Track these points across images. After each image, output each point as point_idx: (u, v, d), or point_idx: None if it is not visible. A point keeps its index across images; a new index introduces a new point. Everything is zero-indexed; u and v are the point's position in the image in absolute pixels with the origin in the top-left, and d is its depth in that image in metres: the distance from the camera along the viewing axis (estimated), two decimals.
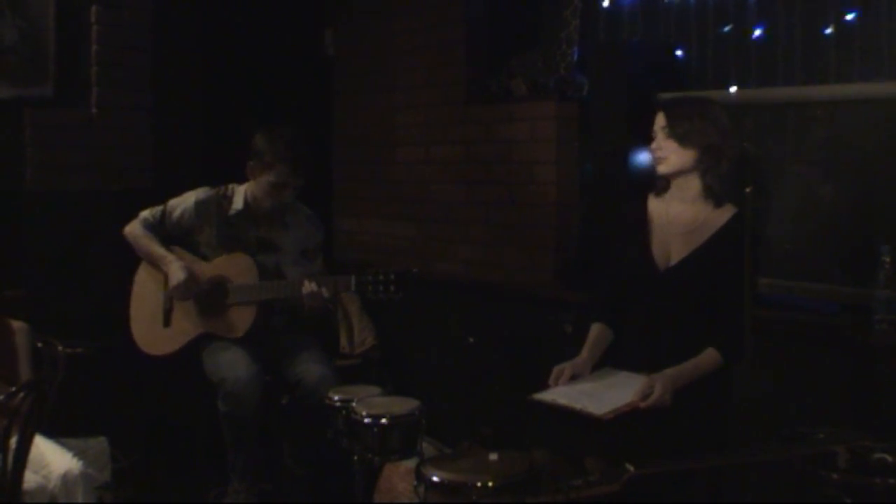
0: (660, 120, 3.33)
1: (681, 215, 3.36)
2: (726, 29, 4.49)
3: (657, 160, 3.34)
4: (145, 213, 4.39)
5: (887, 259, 3.64)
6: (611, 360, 3.42)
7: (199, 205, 4.34)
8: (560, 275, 4.86)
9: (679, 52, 4.66)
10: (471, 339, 5.12)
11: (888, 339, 3.64)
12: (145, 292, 4.39)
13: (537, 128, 4.93)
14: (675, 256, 3.34)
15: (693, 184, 3.33)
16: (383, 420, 3.48)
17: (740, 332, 3.14)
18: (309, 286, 4.03)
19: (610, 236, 3.64)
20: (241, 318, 4.20)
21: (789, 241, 4.00)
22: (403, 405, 3.57)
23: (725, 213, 3.31)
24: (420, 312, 5.40)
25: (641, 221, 3.43)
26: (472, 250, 5.31)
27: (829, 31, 4.15)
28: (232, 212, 4.32)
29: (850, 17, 4.08)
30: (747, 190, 3.16)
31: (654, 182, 3.45)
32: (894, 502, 2.42)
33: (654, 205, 3.45)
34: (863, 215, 3.83)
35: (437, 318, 5.35)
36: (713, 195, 3.30)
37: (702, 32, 4.59)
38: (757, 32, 4.38)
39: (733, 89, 4.39)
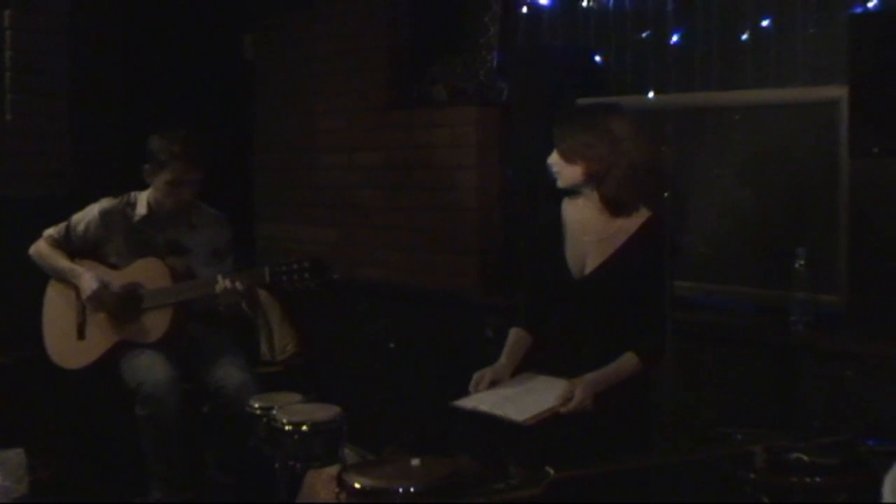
0: (553, 133, 3.34)
1: (593, 222, 3.36)
2: (645, 34, 4.52)
3: (554, 174, 3.36)
4: (49, 231, 4.36)
5: (802, 261, 3.69)
6: (533, 365, 3.42)
7: (104, 215, 4.30)
8: (482, 280, 4.87)
9: (598, 58, 4.68)
10: (391, 345, 5.12)
11: (804, 339, 3.69)
12: (57, 309, 4.34)
13: (458, 133, 4.93)
14: (590, 264, 3.33)
15: (594, 194, 3.33)
16: (304, 427, 3.46)
17: (658, 336, 3.17)
18: (223, 282, 3.99)
19: (528, 243, 3.63)
20: (157, 323, 4.15)
21: (708, 244, 4.03)
22: (325, 412, 3.55)
23: (638, 219, 3.31)
24: (342, 318, 5.38)
25: (556, 228, 3.43)
26: (394, 255, 5.29)
27: (745, 37, 4.19)
28: (137, 218, 4.29)
29: (765, 23, 4.12)
30: (665, 195, 3.17)
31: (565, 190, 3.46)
32: (811, 502, 2.43)
33: (569, 211, 3.44)
34: (779, 218, 3.86)
35: (360, 323, 5.33)
36: (614, 204, 3.29)
37: (621, 37, 4.60)
38: (675, 38, 4.40)
39: (651, 94, 4.40)
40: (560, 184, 3.35)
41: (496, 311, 4.52)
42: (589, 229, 3.36)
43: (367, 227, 5.45)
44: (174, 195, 4.22)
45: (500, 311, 4.42)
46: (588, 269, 3.33)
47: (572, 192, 3.41)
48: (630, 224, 3.31)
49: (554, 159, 3.32)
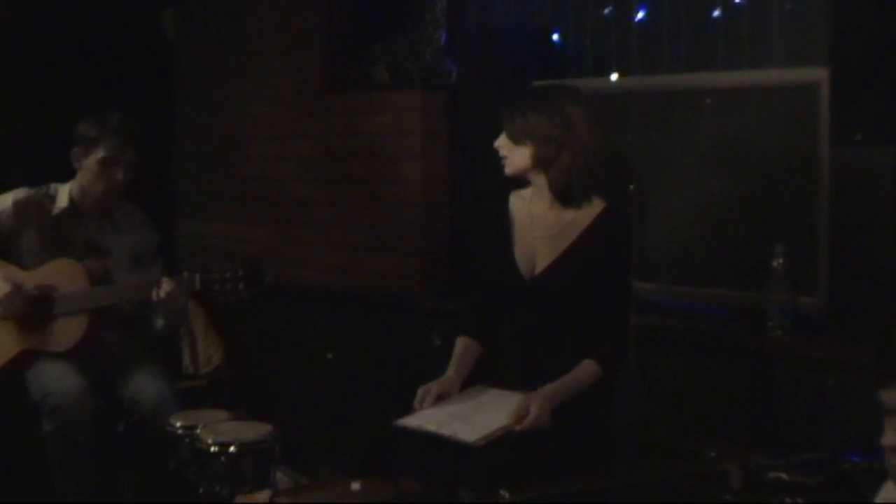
0: (502, 115, 3.36)
1: (543, 216, 3.37)
2: (606, 11, 4.54)
3: (502, 160, 3.36)
4: None
5: (780, 260, 3.70)
6: (482, 377, 3.42)
7: (18, 206, 4.23)
8: (429, 282, 4.89)
9: (556, 37, 4.70)
10: (329, 356, 5.11)
11: (783, 345, 3.72)
12: None
13: (402, 119, 4.93)
14: (541, 263, 3.34)
15: (543, 182, 3.34)
16: (231, 448, 3.42)
17: (619, 340, 3.20)
18: (168, 285, 3.95)
19: (476, 241, 3.63)
20: (70, 330, 4.09)
21: (675, 241, 4.05)
22: (254, 431, 3.51)
23: (592, 211, 3.32)
24: (274, 326, 5.37)
25: (503, 224, 3.45)
26: (332, 255, 5.29)
27: (716, 14, 4.21)
28: (56, 211, 4.24)
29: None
30: (631, 187, 3.17)
31: (517, 181, 3.47)
32: None
33: (517, 205, 3.46)
34: (754, 213, 3.89)
35: (294, 331, 5.34)
36: (564, 192, 3.30)
37: (580, 15, 4.62)
38: (640, 15, 4.43)
39: (614, 77, 4.43)
40: (507, 170, 3.36)
41: (444, 317, 4.51)
42: (538, 224, 3.37)
43: (302, 225, 5.44)
44: (105, 177, 4.17)
45: (449, 317, 4.32)
46: (539, 269, 3.35)
47: (521, 182, 3.43)
48: (583, 217, 3.32)
49: (501, 142, 3.33)
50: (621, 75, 4.43)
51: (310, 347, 5.25)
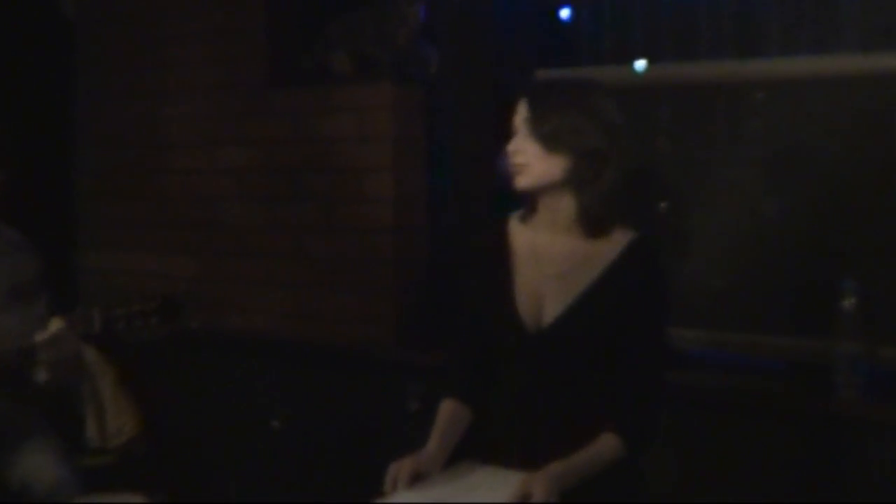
0: (521, 111, 3.31)
1: (554, 250, 3.34)
2: None
3: (515, 168, 3.30)
4: None
5: (852, 300, 3.71)
6: (472, 451, 3.40)
7: None
8: (403, 330, 4.89)
9: (565, 15, 4.72)
10: (275, 424, 5.10)
11: (854, 409, 3.72)
12: None
13: (367, 121, 4.94)
14: (550, 311, 3.30)
15: (567, 204, 3.30)
16: None
17: (649, 409, 3.22)
18: (55, 325, 3.92)
19: (464, 279, 3.61)
20: None
21: (718, 276, 4.06)
22: None
23: (617, 242, 3.30)
24: (203, 385, 5.37)
25: (501, 257, 3.41)
26: (278, 295, 5.31)
27: None
28: None
29: None
30: (661, 205, 3.18)
31: (518, 200, 3.43)
32: None
33: (519, 232, 3.44)
34: (820, 239, 3.90)
35: (229, 393, 5.33)
36: (592, 221, 3.29)
37: None
38: None
39: (641, 65, 4.44)
40: (522, 183, 3.29)
41: (423, 375, 4.53)
42: (546, 258, 3.34)
43: (239, 256, 5.45)
44: None
45: (429, 374, 4.42)
46: (548, 317, 3.30)
47: (524, 206, 3.41)
48: (605, 249, 3.29)
49: (523, 145, 3.28)
50: (650, 63, 4.44)
51: (250, 413, 5.24)
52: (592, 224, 3.28)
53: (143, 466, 5.31)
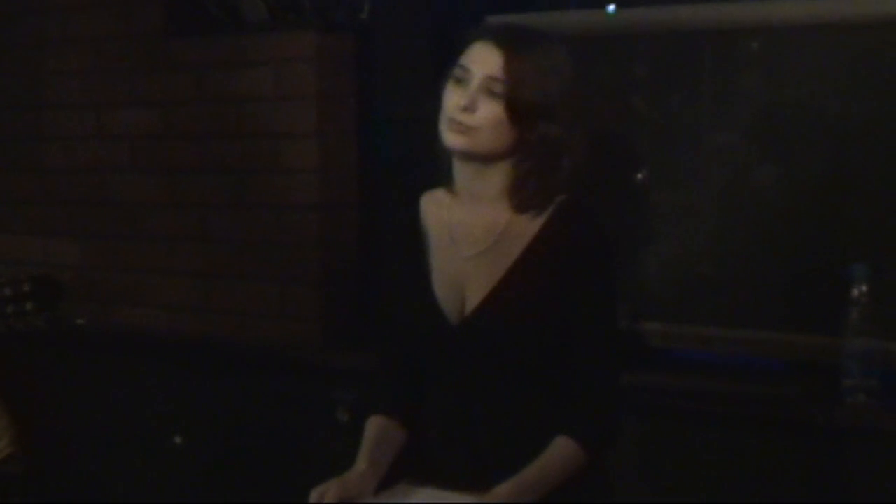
0: (487, 61, 3.20)
1: (469, 225, 3.32)
2: None
3: (458, 127, 3.21)
4: None
5: (863, 288, 3.71)
6: (410, 470, 3.37)
7: None
8: (330, 327, 4.93)
9: None
10: (177, 440, 5.08)
11: (865, 416, 3.74)
12: None
13: (286, 76, 4.97)
14: (472, 297, 3.28)
15: (498, 173, 3.26)
16: None
17: (603, 402, 3.18)
18: None
19: (385, 267, 3.62)
20: None
21: (702, 259, 4.13)
22: None
23: (545, 210, 3.25)
24: (91, 393, 5.33)
25: (415, 242, 3.39)
26: (179, 286, 5.32)
27: None
28: None
29: None
30: (638, 176, 3.15)
31: (438, 168, 3.36)
32: None
33: (432, 213, 3.41)
34: (824, 216, 3.92)
35: (122, 402, 5.28)
36: (527, 194, 3.24)
37: None
38: None
39: (611, 8, 4.45)
40: (463, 146, 3.19)
41: (353, 380, 4.52)
42: (464, 238, 3.32)
43: (133, 239, 5.46)
44: None
45: (360, 379, 4.32)
46: (470, 306, 3.29)
47: (443, 175, 3.34)
48: (528, 218, 3.25)
49: (482, 106, 3.16)
50: (621, 6, 4.45)
51: (147, 426, 5.21)
52: (526, 198, 3.24)
53: (19, 487, 5.26)
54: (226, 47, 5.12)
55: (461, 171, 3.28)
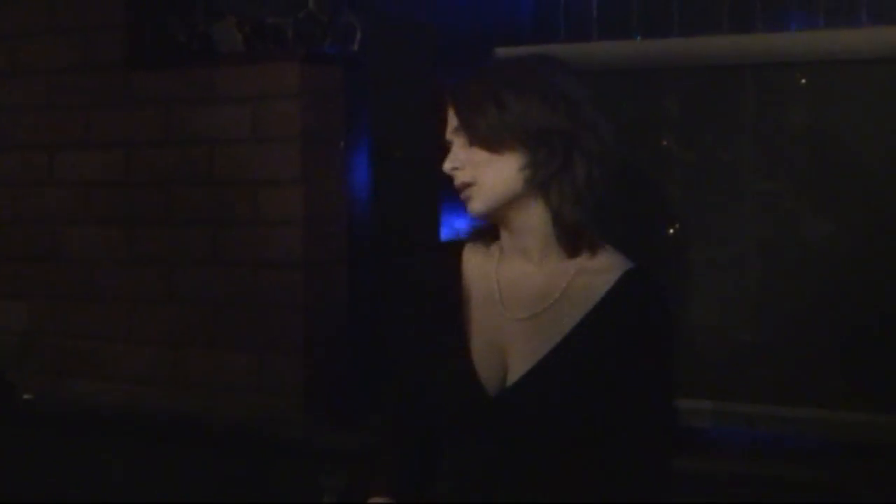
0: (450, 117, 3.30)
1: (523, 284, 3.32)
2: None
3: (463, 191, 3.29)
4: None
5: None
6: None
7: None
8: (313, 401, 4.91)
9: None
10: None
11: None
12: None
13: (265, 114, 4.99)
14: (517, 366, 3.26)
15: (536, 216, 3.27)
16: None
17: (649, 492, 3.17)
18: None
19: (400, 330, 3.59)
20: None
21: (748, 326, 4.15)
22: None
23: (607, 274, 3.26)
24: (38, 479, 5.28)
25: (452, 300, 3.39)
26: (144, 355, 5.29)
27: None
28: None
29: None
30: (671, 231, 3.07)
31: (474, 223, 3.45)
32: None
33: (476, 266, 3.42)
34: (890, 272, 3.92)
35: (77, 489, 5.22)
36: (568, 228, 3.24)
37: None
38: None
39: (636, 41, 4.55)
40: (479, 207, 3.26)
41: (340, 460, 4.52)
42: (515, 296, 3.31)
43: (88, 300, 5.45)
44: None
45: (349, 460, 4.43)
46: (514, 374, 3.26)
47: (482, 229, 3.37)
48: (594, 284, 3.25)
49: (461, 156, 3.24)
50: (647, 37, 4.51)
51: None
52: (569, 233, 3.22)
53: None
54: (196, 81, 5.13)
55: (504, 232, 3.31)
